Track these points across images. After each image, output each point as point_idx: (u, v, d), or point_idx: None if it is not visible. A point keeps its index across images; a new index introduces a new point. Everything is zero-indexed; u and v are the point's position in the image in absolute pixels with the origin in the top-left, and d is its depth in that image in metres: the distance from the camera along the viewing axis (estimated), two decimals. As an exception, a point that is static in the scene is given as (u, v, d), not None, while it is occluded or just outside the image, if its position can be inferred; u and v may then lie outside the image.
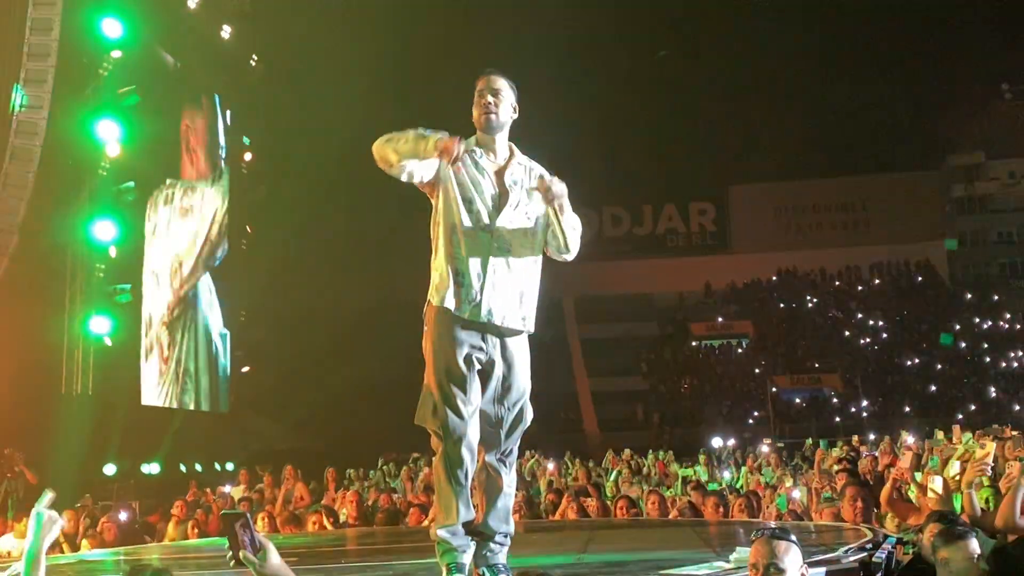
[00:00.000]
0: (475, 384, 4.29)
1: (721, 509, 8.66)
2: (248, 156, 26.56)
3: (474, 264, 4.27)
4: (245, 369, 25.53)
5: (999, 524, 5.00)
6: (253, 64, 26.05)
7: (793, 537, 3.09)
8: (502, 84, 4.43)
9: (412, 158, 4.27)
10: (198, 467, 21.18)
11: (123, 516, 12.00)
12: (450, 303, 4.24)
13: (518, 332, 4.38)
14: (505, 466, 4.43)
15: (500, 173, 4.39)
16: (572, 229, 4.42)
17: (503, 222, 4.32)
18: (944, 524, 4.18)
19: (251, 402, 26.62)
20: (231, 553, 2.85)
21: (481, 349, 4.29)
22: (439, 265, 4.34)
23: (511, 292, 4.33)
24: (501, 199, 4.35)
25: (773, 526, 3.22)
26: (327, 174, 27.90)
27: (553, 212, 4.34)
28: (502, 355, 4.34)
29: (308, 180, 26.55)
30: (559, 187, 4.30)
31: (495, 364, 4.32)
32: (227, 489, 14.91)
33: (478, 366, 4.30)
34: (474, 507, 4.40)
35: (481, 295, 4.25)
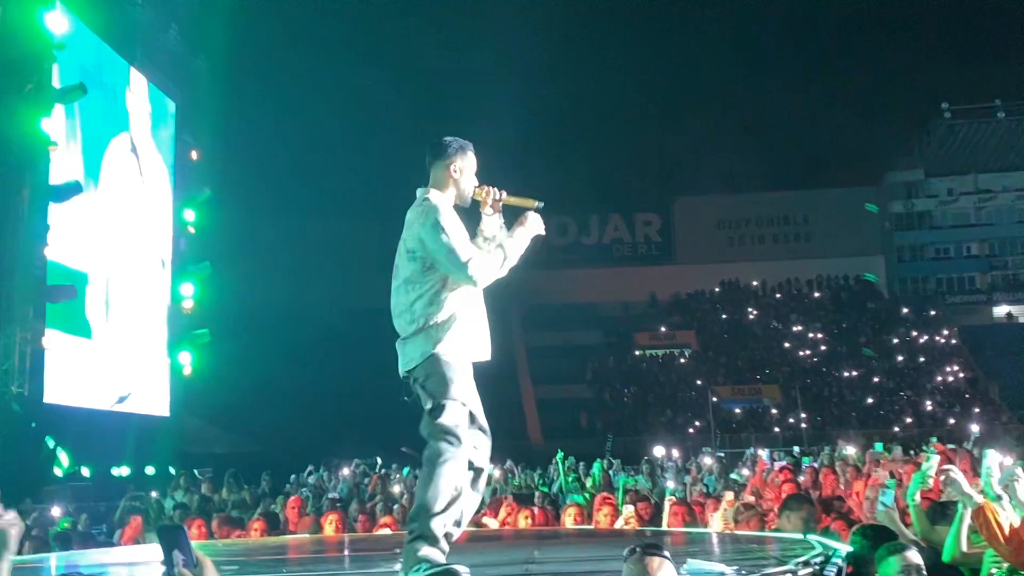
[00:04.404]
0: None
1: (663, 518, 8.75)
2: (194, 155, 26.15)
3: (477, 311, 4.67)
4: (186, 372, 25.15)
5: (947, 560, 5.04)
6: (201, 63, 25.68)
7: (667, 552, 3.09)
8: None
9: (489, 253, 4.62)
10: (127, 471, 20.74)
11: (55, 512, 11.86)
12: (466, 351, 4.57)
13: None
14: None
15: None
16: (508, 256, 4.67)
17: None
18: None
19: (189, 405, 26.23)
20: (166, 569, 2.77)
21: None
22: (442, 314, 4.52)
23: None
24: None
25: (646, 542, 3.18)
26: (277, 178, 27.68)
27: (502, 226, 4.79)
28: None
29: (256, 183, 26.29)
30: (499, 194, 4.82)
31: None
32: (156, 494, 14.60)
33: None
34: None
35: (487, 335, 4.70)
